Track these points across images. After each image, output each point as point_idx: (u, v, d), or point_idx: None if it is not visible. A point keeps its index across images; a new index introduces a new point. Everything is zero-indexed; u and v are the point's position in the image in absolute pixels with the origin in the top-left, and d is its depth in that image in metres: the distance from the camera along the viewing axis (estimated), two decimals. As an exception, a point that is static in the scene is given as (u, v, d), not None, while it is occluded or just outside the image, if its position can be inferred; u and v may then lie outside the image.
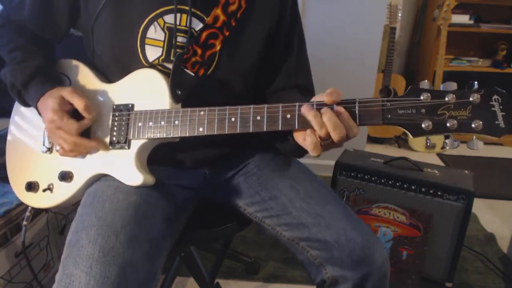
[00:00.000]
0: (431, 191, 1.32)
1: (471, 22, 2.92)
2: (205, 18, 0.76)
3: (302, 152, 0.72)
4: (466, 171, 1.43)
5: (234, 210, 0.90)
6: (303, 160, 0.84)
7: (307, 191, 0.82)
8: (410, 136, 0.60)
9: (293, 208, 0.80)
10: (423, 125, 0.59)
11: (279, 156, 0.91)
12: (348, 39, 2.15)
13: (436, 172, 1.39)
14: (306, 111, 0.63)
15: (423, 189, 1.33)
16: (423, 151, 2.83)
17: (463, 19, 2.89)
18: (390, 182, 1.37)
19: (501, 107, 0.57)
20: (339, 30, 2.14)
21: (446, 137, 0.61)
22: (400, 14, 2.75)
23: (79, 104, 0.72)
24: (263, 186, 0.85)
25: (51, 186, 0.79)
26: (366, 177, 1.40)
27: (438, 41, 2.66)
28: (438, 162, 2.70)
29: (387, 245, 1.38)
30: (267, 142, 0.91)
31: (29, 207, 0.88)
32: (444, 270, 1.37)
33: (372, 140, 2.94)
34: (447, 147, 0.60)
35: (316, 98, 0.66)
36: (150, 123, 0.73)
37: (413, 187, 1.34)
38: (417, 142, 2.83)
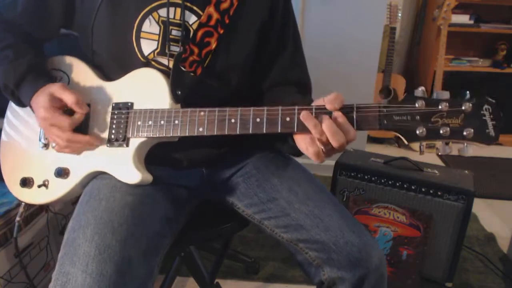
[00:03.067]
0: (431, 191, 1.32)
1: (471, 22, 2.92)
2: (199, 12, 0.77)
3: (300, 152, 0.72)
4: (466, 171, 1.43)
5: (233, 210, 0.90)
6: (303, 160, 0.84)
7: (306, 193, 0.82)
8: (405, 141, 0.63)
9: (291, 210, 0.80)
10: (417, 132, 0.62)
11: (278, 157, 0.91)
12: (348, 39, 2.15)
13: (436, 172, 1.39)
14: (306, 119, 0.64)
15: (423, 189, 1.33)
16: (423, 151, 2.83)
17: (463, 19, 2.89)
18: (390, 182, 1.37)
19: (491, 116, 0.60)
20: (339, 30, 2.14)
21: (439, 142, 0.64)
22: (400, 14, 2.75)
23: (68, 98, 0.72)
24: (262, 187, 0.85)
25: (46, 182, 0.79)
26: (366, 177, 1.40)
27: (438, 41, 2.66)
28: (438, 162, 2.70)
29: (387, 245, 1.38)
30: (265, 144, 0.91)
31: (23, 203, 0.88)
32: (444, 270, 1.37)
33: (372, 140, 2.94)
34: (440, 153, 0.64)
35: (316, 102, 0.67)
36: (150, 122, 0.73)
37: (413, 187, 1.34)
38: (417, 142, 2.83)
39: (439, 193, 1.31)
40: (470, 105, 0.60)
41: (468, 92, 0.61)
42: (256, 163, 0.89)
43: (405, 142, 0.63)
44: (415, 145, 2.82)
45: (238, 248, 1.58)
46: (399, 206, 1.36)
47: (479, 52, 3.11)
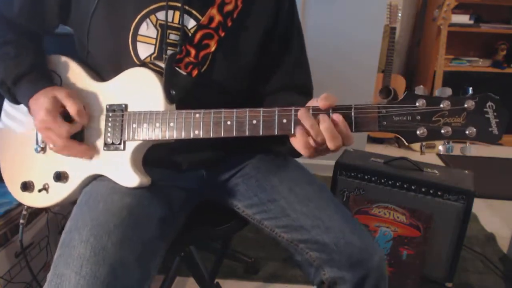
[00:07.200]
0: (431, 191, 1.32)
1: (471, 22, 2.92)
2: (199, 16, 0.76)
3: (298, 153, 0.71)
4: (466, 171, 1.43)
5: (233, 210, 0.90)
6: (303, 160, 0.84)
7: (306, 194, 0.81)
8: (405, 142, 0.61)
9: (291, 210, 0.80)
10: (418, 132, 0.60)
11: (278, 158, 0.90)
12: (348, 39, 2.16)
13: (436, 172, 1.39)
14: (304, 118, 0.63)
15: (423, 189, 1.33)
16: (423, 151, 2.83)
17: (463, 19, 2.89)
18: (390, 182, 1.37)
19: (495, 113, 0.57)
20: (339, 30, 2.14)
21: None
22: (400, 14, 2.75)
23: (71, 107, 0.71)
24: (262, 188, 0.85)
25: (46, 186, 0.79)
26: (366, 177, 1.40)
27: (438, 41, 2.66)
28: (438, 162, 2.70)
29: (387, 245, 1.38)
30: (265, 145, 0.91)
31: (25, 206, 0.88)
32: (444, 270, 1.37)
33: (372, 140, 2.94)
34: (441, 153, 0.62)
35: (311, 103, 0.66)
36: (145, 125, 0.72)
37: (413, 187, 1.34)
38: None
39: (439, 193, 1.31)
40: (473, 103, 0.57)
41: (471, 88, 0.59)
42: (256, 164, 0.89)
43: (405, 143, 0.61)
44: (416, 145, 2.83)
45: (238, 248, 1.58)
46: (399, 206, 1.36)
47: (479, 52, 3.11)
